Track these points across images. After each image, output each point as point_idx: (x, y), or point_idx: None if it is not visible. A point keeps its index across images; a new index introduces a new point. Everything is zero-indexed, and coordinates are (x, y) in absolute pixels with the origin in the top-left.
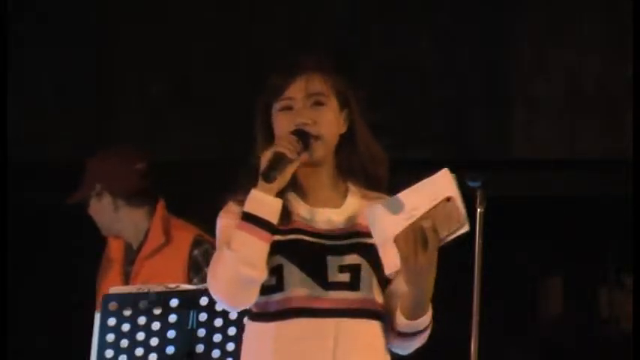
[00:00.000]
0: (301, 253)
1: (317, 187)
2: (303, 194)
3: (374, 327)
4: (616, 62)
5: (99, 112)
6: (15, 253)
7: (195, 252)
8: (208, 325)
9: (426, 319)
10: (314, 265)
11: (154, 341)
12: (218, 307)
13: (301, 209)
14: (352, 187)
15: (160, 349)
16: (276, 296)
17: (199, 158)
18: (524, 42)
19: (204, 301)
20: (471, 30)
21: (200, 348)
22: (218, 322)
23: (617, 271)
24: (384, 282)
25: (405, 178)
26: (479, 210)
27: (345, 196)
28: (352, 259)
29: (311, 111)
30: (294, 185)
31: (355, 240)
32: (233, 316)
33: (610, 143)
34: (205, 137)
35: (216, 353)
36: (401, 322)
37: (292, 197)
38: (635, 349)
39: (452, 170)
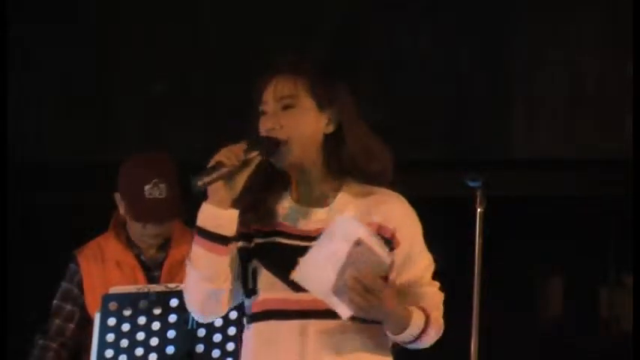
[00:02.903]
0: (273, 256)
1: (306, 186)
2: (293, 194)
3: (342, 327)
4: (616, 62)
5: (99, 112)
6: (15, 253)
7: None
8: (208, 325)
9: (411, 330)
10: (284, 267)
11: (154, 341)
12: None
13: (289, 209)
14: (349, 185)
15: (159, 349)
16: (253, 299)
17: (199, 158)
18: (524, 42)
19: None
20: (471, 30)
21: (200, 348)
22: (218, 322)
23: (617, 271)
24: None
25: (405, 178)
26: (479, 210)
27: (335, 195)
28: None
29: (280, 115)
30: (286, 185)
31: None
32: (233, 315)
33: (610, 143)
34: (205, 137)
35: (216, 353)
36: (391, 337)
37: (283, 197)
38: (635, 349)
39: (452, 170)
